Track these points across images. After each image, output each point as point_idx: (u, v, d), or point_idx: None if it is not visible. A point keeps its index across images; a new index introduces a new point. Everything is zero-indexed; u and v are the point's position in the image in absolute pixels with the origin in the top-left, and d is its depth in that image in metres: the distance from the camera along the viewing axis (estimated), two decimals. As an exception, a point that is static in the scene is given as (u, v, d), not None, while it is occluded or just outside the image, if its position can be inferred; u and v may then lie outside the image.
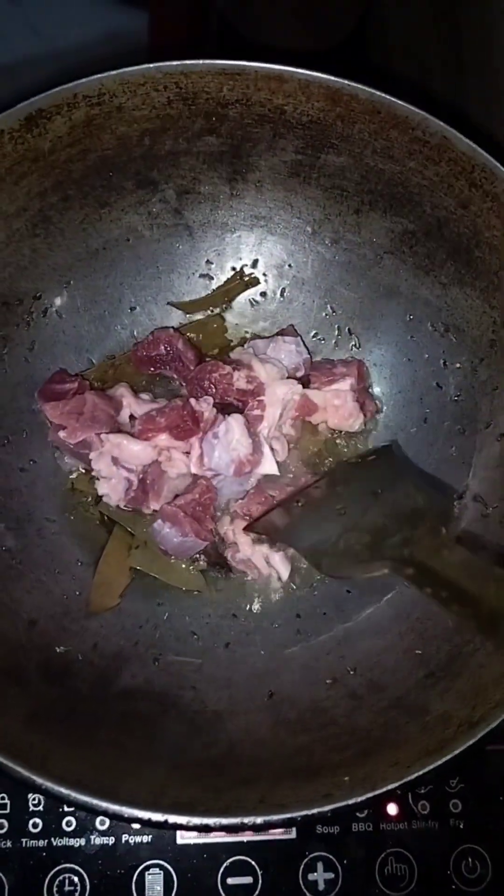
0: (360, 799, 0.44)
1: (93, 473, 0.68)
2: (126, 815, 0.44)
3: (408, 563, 0.51)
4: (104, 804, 0.44)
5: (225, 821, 0.44)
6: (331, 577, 0.61)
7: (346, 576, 0.59)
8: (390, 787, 0.44)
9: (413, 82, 0.88)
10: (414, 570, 0.51)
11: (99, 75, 0.59)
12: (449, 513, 0.59)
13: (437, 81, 0.84)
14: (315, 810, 0.44)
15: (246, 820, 0.44)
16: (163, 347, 0.70)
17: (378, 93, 0.59)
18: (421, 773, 0.45)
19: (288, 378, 0.70)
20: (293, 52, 0.90)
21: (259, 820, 0.44)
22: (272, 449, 0.68)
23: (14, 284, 0.65)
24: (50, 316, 0.69)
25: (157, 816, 0.44)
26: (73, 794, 0.44)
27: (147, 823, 0.44)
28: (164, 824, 0.44)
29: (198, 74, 0.60)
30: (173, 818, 0.44)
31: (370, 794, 0.44)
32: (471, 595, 0.47)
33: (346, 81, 0.59)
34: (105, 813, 0.44)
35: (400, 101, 0.59)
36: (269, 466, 0.67)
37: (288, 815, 0.44)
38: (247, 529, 0.66)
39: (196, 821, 0.44)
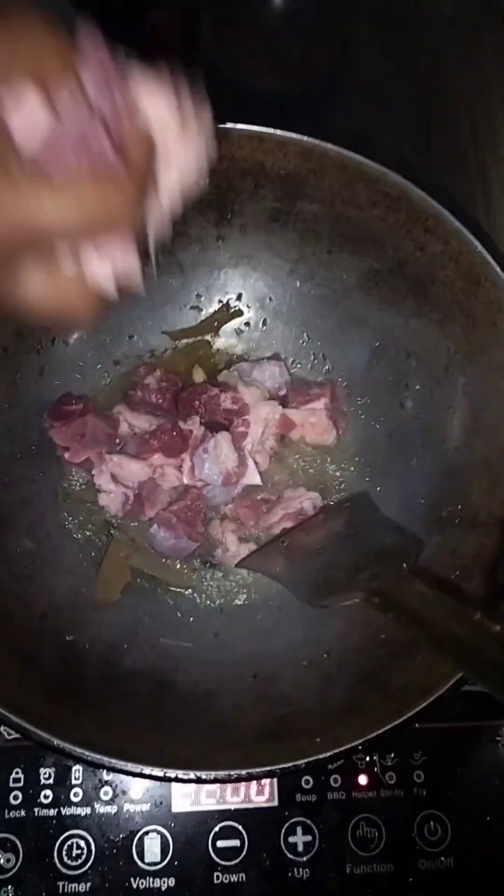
0: (328, 754, 0.52)
1: (95, 486, 0.74)
2: (130, 770, 0.51)
3: (375, 593, 0.59)
4: (112, 760, 0.52)
5: (214, 773, 0.52)
6: (310, 606, 0.67)
7: (325, 605, 0.66)
8: (354, 743, 0.52)
9: (380, 132, 0.96)
10: (380, 600, 0.58)
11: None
12: (410, 552, 0.66)
13: (405, 131, 0.93)
14: (290, 764, 0.52)
15: (232, 773, 0.52)
16: (149, 394, 0.77)
17: (345, 151, 0.64)
18: (380, 731, 0.53)
19: (270, 398, 0.76)
20: (270, 94, 0.98)
21: (244, 772, 0.52)
22: (255, 462, 0.75)
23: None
24: (58, 344, 0.75)
25: (157, 771, 0.52)
26: (86, 753, 0.52)
27: (149, 777, 0.51)
28: (164, 777, 0.52)
29: (188, 134, 0.67)
30: (171, 772, 0.52)
31: (337, 750, 0.52)
32: (425, 620, 0.55)
33: (317, 141, 0.65)
34: (112, 768, 0.52)
35: (364, 159, 0.64)
36: (253, 477, 0.74)
37: (268, 769, 0.52)
38: (239, 566, 0.73)
39: (191, 774, 0.52)
